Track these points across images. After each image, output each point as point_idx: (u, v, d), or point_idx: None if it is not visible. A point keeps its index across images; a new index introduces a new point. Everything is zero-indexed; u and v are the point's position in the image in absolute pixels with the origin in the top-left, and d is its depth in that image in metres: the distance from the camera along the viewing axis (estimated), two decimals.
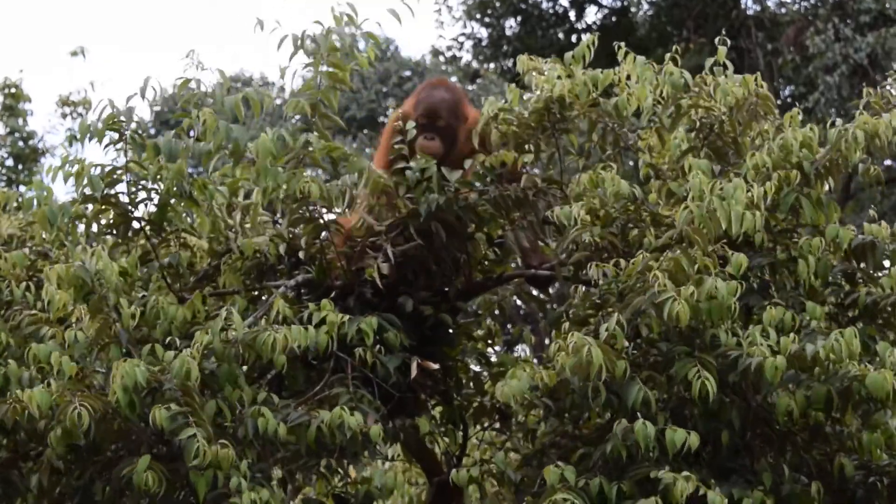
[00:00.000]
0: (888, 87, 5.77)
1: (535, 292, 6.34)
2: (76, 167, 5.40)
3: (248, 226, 5.82)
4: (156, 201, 5.56)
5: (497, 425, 6.25)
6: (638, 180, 5.86)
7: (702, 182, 5.20)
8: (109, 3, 55.09)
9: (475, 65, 24.21)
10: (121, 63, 50.81)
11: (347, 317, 5.38)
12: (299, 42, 5.57)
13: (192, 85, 5.50)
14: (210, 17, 55.24)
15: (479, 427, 6.29)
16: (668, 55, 5.78)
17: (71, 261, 5.36)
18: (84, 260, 5.27)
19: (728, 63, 5.78)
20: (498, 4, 23.10)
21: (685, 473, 4.91)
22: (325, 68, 5.60)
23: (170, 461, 5.06)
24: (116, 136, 5.45)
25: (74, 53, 18.76)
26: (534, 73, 5.83)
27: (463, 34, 23.86)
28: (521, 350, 16.88)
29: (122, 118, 5.43)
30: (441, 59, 25.69)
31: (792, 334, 5.12)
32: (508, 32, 23.29)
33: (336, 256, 5.75)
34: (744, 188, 5.12)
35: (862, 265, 5.57)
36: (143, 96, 5.47)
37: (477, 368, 6.21)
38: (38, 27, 51.39)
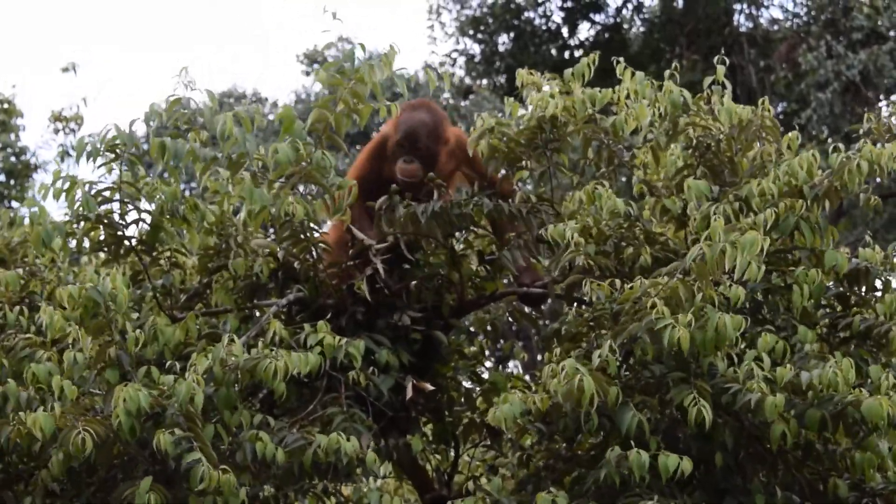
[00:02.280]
0: (890, 117, 5.78)
1: (527, 310, 6.34)
2: (67, 184, 5.38)
3: (251, 229, 5.79)
4: (148, 221, 5.54)
5: (487, 442, 6.24)
6: (632, 197, 5.86)
7: (720, 225, 5.14)
8: (109, 3, 55.24)
9: (468, 81, 24.21)
10: (120, 63, 50.87)
11: (344, 340, 5.37)
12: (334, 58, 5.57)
13: (183, 104, 5.48)
14: (210, 17, 55.31)
15: (470, 444, 6.28)
16: (667, 72, 5.79)
17: (78, 281, 5.33)
18: (96, 281, 5.25)
19: (726, 82, 5.79)
20: (491, 21, 23.11)
21: None
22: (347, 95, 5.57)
23: (167, 486, 5.04)
24: (112, 156, 5.44)
25: (66, 70, 18.73)
26: (533, 90, 5.83)
27: (456, 50, 23.88)
28: (514, 366, 16.84)
29: (123, 142, 5.41)
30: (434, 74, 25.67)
31: (788, 364, 5.10)
32: (501, 48, 23.29)
33: (328, 275, 5.75)
34: (759, 241, 5.03)
35: (855, 288, 5.58)
36: (147, 123, 5.46)
37: (469, 385, 6.21)
38: (39, 27, 51.50)
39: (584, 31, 23.62)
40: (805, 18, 21.53)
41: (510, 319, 6.45)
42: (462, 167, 6.06)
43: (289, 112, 5.40)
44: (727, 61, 5.82)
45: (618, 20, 23.29)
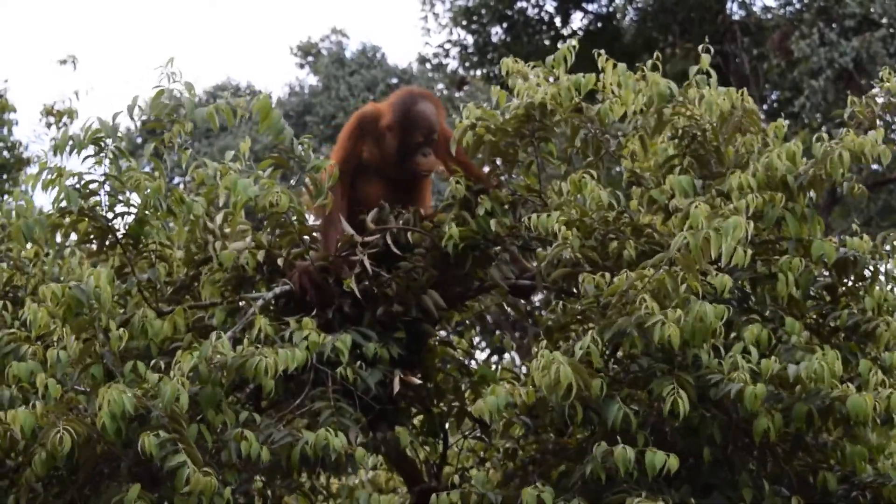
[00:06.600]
0: (877, 97, 5.73)
1: (522, 303, 6.30)
2: (53, 176, 5.34)
3: (227, 230, 5.77)
4: (133, 214, 5.51)
5: (478, 432, 6.22)
6: (620, 187, 5.82)
7: (701, 212, 5.10)
8: (111, 4, 55.51)
9: (461, 71, 24.20)
10: (120, 63, 51.00)
11: (329, 337, 5.34)
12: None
13: (166, 97, 5.46)
14: (210, 17, 55.53)
15: (459, 435, 6.25)
16: (649, 62, 5.74)
17: (62, 276, 5.27)
18: (80, 279, 5.20)
19: (711, 71, 5.75)
20: (484, 11, 23.09)
21: None
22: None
23: (152, 485, 5.00)
24: (97, 148, 5.40)
25: (63, 62, 18.71)
26: (518, 78, 5.79)
27: (449, 41, 23.85)
28: (511, 357, 16.81)
29: (107, 134, 5.38)
30: (427, 66, 25.69)
31: (773, 357, 5.07)
32: (494, 39, 23.28)
33: (315, 268, 5.72)
34: (742, 226, 5.00)
35: (844, 279, 5.54)
36: (130, 115, 5.43)
37: (458, 375, 6.17)
38: (40, 26, 51.69)
39: (577, 20, 23.62)
40: (797, 6, 21.50)
41: (507, 311, 6.42)
42: (445, 157, 6.05)
43: (265, 102, 5.36)
44: (711, 49, 5.78)
45: (610, 9, 23.26)
